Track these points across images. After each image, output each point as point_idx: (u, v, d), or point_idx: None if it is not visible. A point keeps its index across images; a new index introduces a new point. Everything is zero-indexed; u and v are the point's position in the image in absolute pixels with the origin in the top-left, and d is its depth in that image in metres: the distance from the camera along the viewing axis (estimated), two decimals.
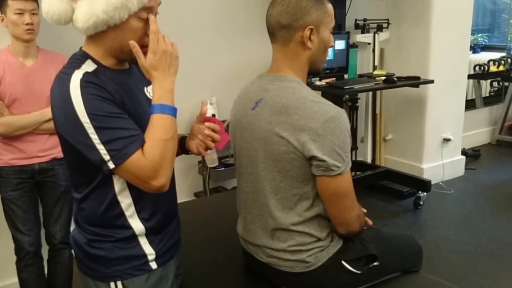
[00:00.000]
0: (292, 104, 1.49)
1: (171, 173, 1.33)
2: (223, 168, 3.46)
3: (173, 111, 1.31)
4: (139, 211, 1.41)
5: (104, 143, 1.24)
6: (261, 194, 1.59)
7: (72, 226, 1.52)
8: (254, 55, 3.74)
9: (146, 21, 1.32)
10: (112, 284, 1.42)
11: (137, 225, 1.42)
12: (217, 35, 3.64)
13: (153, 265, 1.45)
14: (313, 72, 1.67)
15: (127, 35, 1.31)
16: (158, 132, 1.28)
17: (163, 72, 1.32)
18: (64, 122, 1.28)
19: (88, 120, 1.23)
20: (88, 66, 1.32)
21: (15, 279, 2.60)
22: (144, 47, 1.33)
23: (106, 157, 1.24)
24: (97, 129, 1.23)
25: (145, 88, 1.49)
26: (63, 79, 1.29)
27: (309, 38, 1.53)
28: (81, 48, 1.39)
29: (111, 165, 1.25)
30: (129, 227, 1.41)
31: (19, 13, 2.29)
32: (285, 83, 1.55)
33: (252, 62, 3.73)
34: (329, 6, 1.57)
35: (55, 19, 1.34)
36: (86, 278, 1.47)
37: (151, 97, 1.47)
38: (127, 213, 1.40)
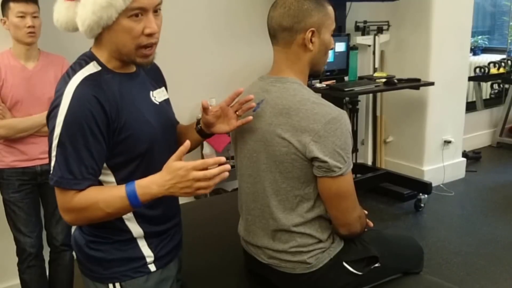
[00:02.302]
0: (294, 105, 1.49)
1: (82, 224, 1.37)
2: None
3: (136, 205, 1.27)
4: (137, 215, 1.41)
5: (56, 159, 1.26)
6: (262, 195, 1.59)
7: (74, 228, 1.53)
8: (254, 57, 3.75)
9: (141, 21, 1.29)
10: (110, 286, 1.43)
11: (135, 229, 1.43)
12: (217, 38, 3.65)
13: (152, 268, 1.46)
14: (313, 74, 1.68)
15: (121, 36, 1.29)
16: (105, 200, 1.27)
17: (167, 182, 1.23)
18: (48, 118, 1.31)
19: (59, 131, 1.25)
20: (92, 68, 1.33)
21: (16, 281, 2.60)
22: (140, 48, 1.31)
23: (51, 170, 1.28)
24: (59, 142, 1.25)
25: (151, 93, 1.48)
26: (64, 80, 1.31)
27: (311, 40, 1.54)
28: (90, 49, 1.40)
29: (49, 178, 1.29)
30: (127, 230, 1.42)
31: (21, 16, 2.30)
32: (286, 85, 1.55)
33: (252, 64, 3.73)
34: (330, 9, 1.58)
35: (64, 27, 1.36)
36: (87, 279, 1.48)
37: (156, 102, 1.47)
38: (125, 217, 1.40)
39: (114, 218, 1.34)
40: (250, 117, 1.54)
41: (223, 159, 1.23)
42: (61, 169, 1.25)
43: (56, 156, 1.26)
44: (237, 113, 1.55)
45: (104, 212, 1.27)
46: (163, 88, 1.56)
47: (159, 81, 1.57)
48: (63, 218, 1.32)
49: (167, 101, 1.55)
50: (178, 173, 1.21)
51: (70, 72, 1.32)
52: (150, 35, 1.31)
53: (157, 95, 1.49)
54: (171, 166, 1.23)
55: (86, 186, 1.28)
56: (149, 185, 1.25)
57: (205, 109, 1.51)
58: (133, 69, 1.43)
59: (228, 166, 1.22)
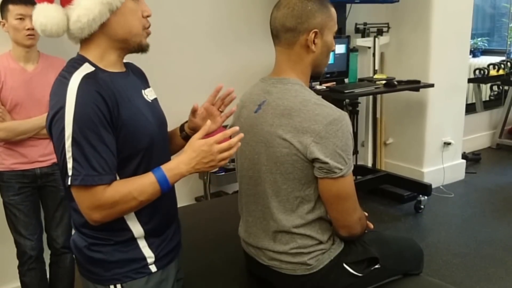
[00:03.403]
0: (295, 106, 1.50)
1: (110, 219, 1.34)
2: (223, 173, 3.46)
3: (166, 189, 1.34)
4: (138, 214, 1.42)
5: (74, 159, 1.25)
6: (262, 196, 1.60)
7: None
8: (255, 60, 3.75)
9: (139, 4, 1.39)
10: (111, 287, 1.43)
11: (136, 228, 1.43)
12: (217, 40, 3.65)
13: (153, 268, 1.46)
14: (314, 76, 1.68)
15: (129, 18, 1.36)
16: (137, 189, 1.31)
17: (193, 159, 1.34)
18: (51, 122, 1.30)
19: (70, 130, 1.24)
20: (87, 68, 1.34)
21: (17, 283, 2.59)
22: (144, 29, 1.41)
23: (70, 171, 1.26)
24: (74, 142, 1.24)
25: (143, 91, 1.50)
26: (62, 82, 1.31)
27: (313, 41, 1.54)
28: (78, 53, 1.41)
29: (68, 181, 1.26)
30: (128, 230, 1.42)
31: (20, 19, 2.30)
32: (288, 86, 1.55)
33: (252, 66, 3.74)
34: (333, 10, 1.59)
35: (54, 30, 1.36)
36: (87, 281, 1.47)
37: (149, 100, 1.50)
38: (126, 216, 1.40)
39: (143, 206, 1.37)
40: (234, 108, 1.63)
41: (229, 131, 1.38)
42: (83, 168, 1.25)
43: (73, 156, 1.25)
44: (219, 109, 1.62)
45: (138, 201, 1.32)
46: (151, 88, 1.59)
47: (146, 82, 1.61)
48: (88, 218, 1.31)
49: (157, 100, 1.58)
50: (203, 149, 1.32)
51: (66, 74, 1.32)
52: (147, 17, 1.42)
53: (148, 94, 1.53)
54: (194, 144, 1.34)
55: (110, 180, 1.29)
56: (177, 166, 1.34)
57: (194, 113, 1.59)
58: (124, 68, 1.47)
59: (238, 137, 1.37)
